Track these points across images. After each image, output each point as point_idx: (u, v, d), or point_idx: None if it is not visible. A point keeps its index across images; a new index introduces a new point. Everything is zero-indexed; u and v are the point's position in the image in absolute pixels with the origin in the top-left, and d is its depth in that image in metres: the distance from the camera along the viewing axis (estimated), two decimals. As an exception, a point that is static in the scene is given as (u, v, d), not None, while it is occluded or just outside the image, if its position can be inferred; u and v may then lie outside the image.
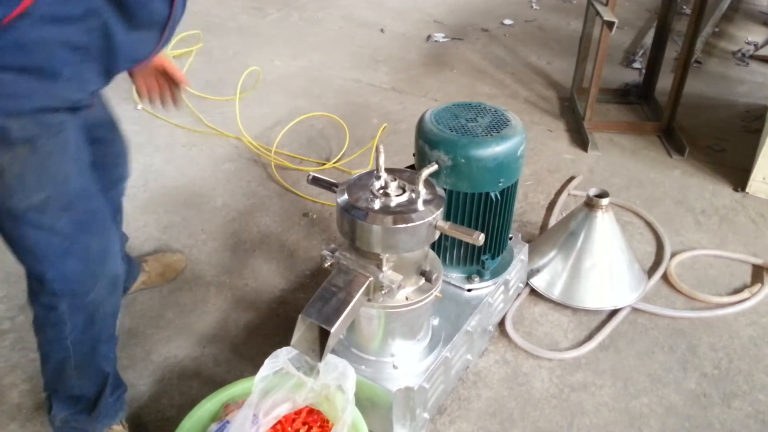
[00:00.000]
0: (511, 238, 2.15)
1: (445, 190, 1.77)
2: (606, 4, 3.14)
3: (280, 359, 1.57)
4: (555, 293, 2.24)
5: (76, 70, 1.27)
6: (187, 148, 3.22)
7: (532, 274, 2.30)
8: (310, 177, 1.66)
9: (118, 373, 1.76)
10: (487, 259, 1.95)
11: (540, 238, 2.43)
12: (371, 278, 1.48)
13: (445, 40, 4.72)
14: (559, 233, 2.31)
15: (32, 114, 1.26)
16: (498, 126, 1.83)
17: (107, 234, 1.53)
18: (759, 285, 2.34)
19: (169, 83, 1.78)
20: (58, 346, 1.55)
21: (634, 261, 2.30)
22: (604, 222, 2.21)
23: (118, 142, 1.82)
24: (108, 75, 1.38)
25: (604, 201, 2.19)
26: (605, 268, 2.20)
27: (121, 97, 3.70)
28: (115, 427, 1.75)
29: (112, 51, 1.30)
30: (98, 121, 1.66)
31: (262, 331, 2.15)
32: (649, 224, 2.68)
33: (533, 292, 2.29)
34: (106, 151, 1.72)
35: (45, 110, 1.27)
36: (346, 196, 1.50)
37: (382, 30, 4.88)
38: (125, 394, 1.79)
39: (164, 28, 1.39)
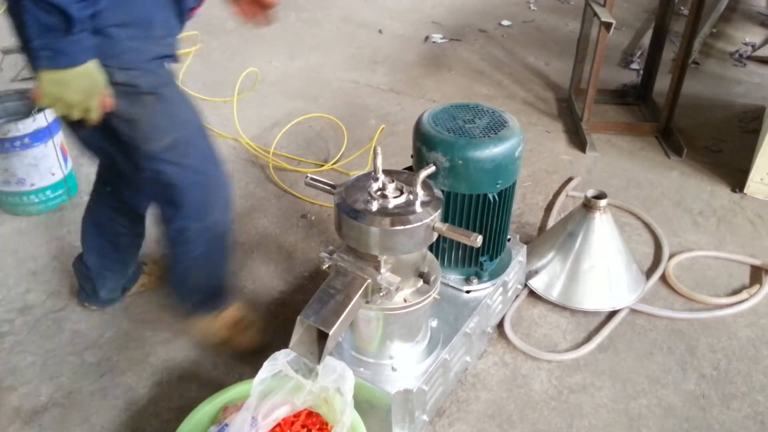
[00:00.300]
0: (509, 240, 2.15)
1: (442, 191, 1.77)
2: (604, 5, 3.15)
3: (279, 362, 1.57)
4: (553, 295, 2.24)
5: (163, 15, 1.54)
6: (185, 150, 3.21)
7: (530, 275, 2.30)
8: (308, 178, 1.66)
9: (232, 265, 2.02)
10: (485, 260, 1.95)
11: (538, 240, 2.43)
12: (369, 280, 1.48)
13: (443, 41, 4.72)
14: (558, 234, 2.31)
15: (148, 64, 1.51)
16: (496, 127, 1.83)
17: (219, 164, 1.76)
18: (757, 286, 2.34)
19: (261, 6, 1.85)
20: (188, 258, 1.84)
21: (633, 262, 2.30)
22: (602, 223, 2.21)
23: None
24: (182, 17, 1.61)
25: (602, 202, 2.19)
26: (603, 270, 2.20)
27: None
28: (231, 308, 2.02)
29: None
30: None
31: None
32: (647, 225, 2.68)
33: (532, 293, 2.29)
34: None
35: (155, 59, 1.53)
36: (343, 198, 1.50)
37: (380, 31, 4.88)
38: (235, 284, 2.10)
39: None
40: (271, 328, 2.15)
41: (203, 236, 1.80)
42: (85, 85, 1.41)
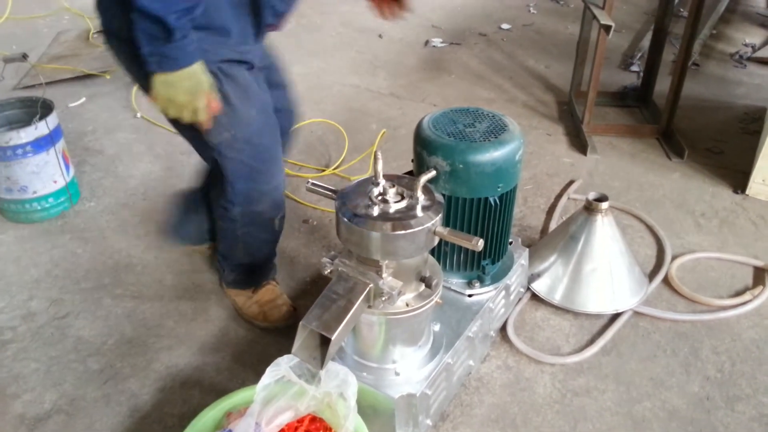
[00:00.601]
0: (511, 243, 2.15)
1: (443, 195, 1.77)
2: (603, 8, 3.15)
3: (282, 367, 1.57)
4: (556, 298, 2.24)
5: (240, 26, 1.69)
6: (186, 156, 3.21)
7: (532, 278, 2.30)
8: (309, 184, 1.66)
9: (274, 252, 2.24)
10: (487, 264, 1.95)
11: (540, 243, 2.43)
12: (371, 285, 1.49)
13: (443, 45, 4.73)
14: (559, 237, 2.31)
15: (217, 65, 1.65)
16: (496, 131, 1.83)
17: (275, 163, 1.92)
18: (761, 287, 2.34)
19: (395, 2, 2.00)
20: (230, 235, 2.05)
21: (635, 264, 2.30)
22: (604, 226, 2.21)
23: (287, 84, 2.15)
24: (259, 30, 1.78)
25: (604, 205, 2.19)
26: (606, 272, 2.20)
27: (122, 106, 3.72)
28: (271, 283, 2.25)
29: (258, 8, 1.71)
30: (272, 70, 2.04)
31: (263, 339, 2.15)
32: (649, 227, 2.68)
33: (534, 296, 2.29)
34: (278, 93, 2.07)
35: (226, 61, 1.68)
36: (344, 203, 1.50)
37: (380, 35, 4.89)
38: (274, 259, 2.28)
39: None
40: (274, 334, 2.15)
41: (245, 220, 1.98)
42: (190, 85, 1.56)
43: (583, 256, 2.21)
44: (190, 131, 1.78)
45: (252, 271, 2.21)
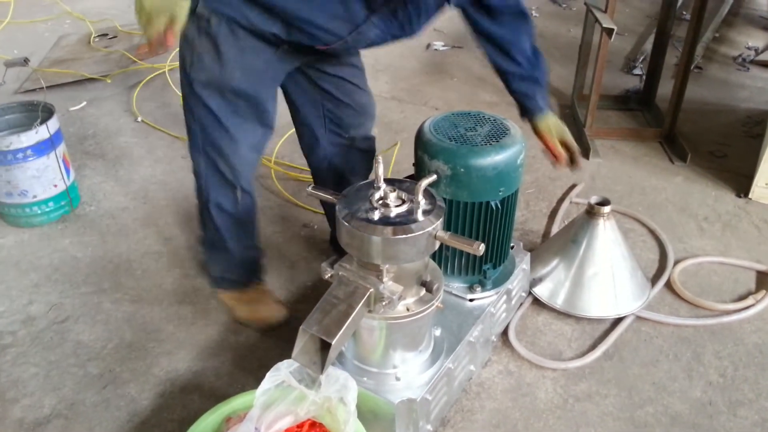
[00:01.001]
0: (512, 247, 2.14)
1: (444, 199, 1.76)
2: (605, 11, 3.14)
3: (282, 372, 1.56)
4: (558, 302, 2.22)
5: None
6: (187, 160, 3.18)
7: (534, 282, 2.28)
8: (310, 188, 1.66)
9: (249, 245, 2.15)
10: (488, 268, 1.95)
11: (542, 247, 2.42)
12: (372, 289, 1.48)
13: (444, 48, 4.73)
14: (561, 241, 2.29)
15: (228, 19, 1.65)
16: (497, 135, 1.83)
17: (239, 130, 1.83)
18: (763, 291, 2.32)
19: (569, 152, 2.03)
20: (199, 194, 1.99)
21: (637, 268, 2.29)
22: (606, 230, 2.20)
23: (348, 104, 2.07)
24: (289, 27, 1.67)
25: (606, 209, 2.18)
26: (608, 276, 2.19)
27: (122, 110, 3.72)
28: (258, 283, 2.22)
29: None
30: (332, 60, 1.95)
31: (263, 344, 2.14)
32: (651, 231, 2.67)
33: (536, 301, 2.28)
34: (334, 106, 2.05)
35: (234, 21, 1.66)
36: (345, 207, 1.49)
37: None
38: (259, 260, 2.22)
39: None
40: (274, 338, 2.15)
41: (208, 177, 1.92)
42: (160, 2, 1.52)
43: (584, 260, 2.20)
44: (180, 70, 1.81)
45: (229, 259, 2.11)
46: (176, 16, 1.51)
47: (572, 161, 2.01)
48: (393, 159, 3.11)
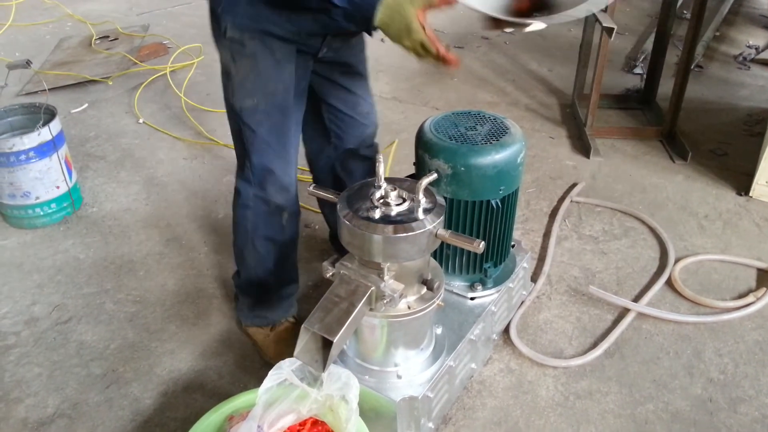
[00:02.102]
0: (513, 246, 2.14)
1: (445, 198, 1.77)
2: (605, 11, 3.14)
3: (284, 370, 1.57)
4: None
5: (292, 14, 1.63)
6: (188, 161, 3.22)
7: None
8: (311, 188, 1.67)
9: (287, 278, 2.12)
10: (489, 267, 1.95)
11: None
12: (373, 288, 1.48)
13: (445, 48, 4.72)
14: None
15: (260, 33, 1.65)
16: (497, 134, 1.83)
17: (287, 147, 1.84)
18: (764, 289, 2.33)
19: None
20: (242, 231, 1.97)
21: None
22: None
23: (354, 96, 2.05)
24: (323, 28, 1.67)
25: None
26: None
27: (124, 112, 3.73)
28: (289, 320, 2.14)
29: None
30: (338, 66, 1.93)
31: (265, 343, 2.15)
32: (652, 230, 2.68)
33: (537, 299, 2.28)
34: (339, 120, 2.04)
35: (269, 34, 1.65)
36: (346, 207, 1.50)
37: (382, 39, 4.88)
38: (293, 297, 2.16)
39: None
40: (277, 338, 2.15)
41: (257, 208, 1.90)
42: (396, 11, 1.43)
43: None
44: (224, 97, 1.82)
45: (265, 300, 2.09)
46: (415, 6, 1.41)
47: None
48: (390, 157, 3.12)
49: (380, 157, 1.52)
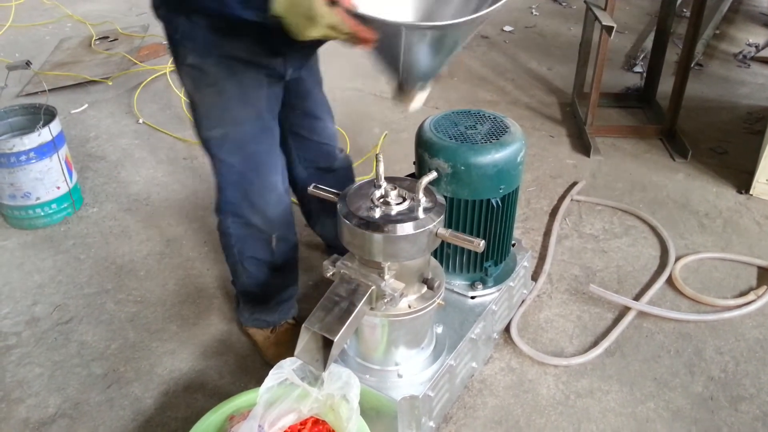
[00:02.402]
0: (513, 245, 2.14)
1: (445, 197, 1.77)
2: (605, 9, 3.15)
3: (285, 370, 1.57)
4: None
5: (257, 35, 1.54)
6: (188, 161, 3.22)
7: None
8: (312, 187, 1.66)
9: (285, 283, 2.09)
10: (489, 266, 1.95)
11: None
12: (373, 287, 1.48)
13: (445, 48, 4.72)
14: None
15: (224, 59, 1.58)
16: (497, 133, 1.83)
17: (268, 177, 1.80)
18: (764, 287, 2.33)
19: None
20: (229, 252, 1.96)
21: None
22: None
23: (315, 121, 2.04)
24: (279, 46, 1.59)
25: None
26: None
27: (124, 112, 3.73)
28: (289, 322, 2.13)
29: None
30: (300, 93, 1.92)
31: (266, 343, 2.15)
32: (652, 228, 2.68)
33: (538, 298, 2.28)
34: (304, 146, 2.04)
35: (232, 58, 1.58)
36: (346, 206, 1.50)
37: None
38: (293, 299, 2.14)
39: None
40: (277, 337, 2.15)
41: (238, 233, 1.89)
42: None
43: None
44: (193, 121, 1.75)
45: (264, 305, 2.08)
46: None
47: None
48: (377, 149, 3.15)
49: (380, 156, 1.52)
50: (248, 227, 1.87)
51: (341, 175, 2.16)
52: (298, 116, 1.97)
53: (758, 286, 2.36)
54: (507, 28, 5.08)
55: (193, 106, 1.71)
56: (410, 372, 1.68)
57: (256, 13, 1.39)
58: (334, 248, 2.31)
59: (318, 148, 2.07)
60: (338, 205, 1.52)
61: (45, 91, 2.96)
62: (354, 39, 1.29)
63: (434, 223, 1.47)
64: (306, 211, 2.30)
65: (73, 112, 3.72)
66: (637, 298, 2.30)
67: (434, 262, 1.71)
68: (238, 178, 1.77)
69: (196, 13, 1.53)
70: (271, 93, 1.73)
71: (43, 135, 2.59)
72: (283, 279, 2.06)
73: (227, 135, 1.70)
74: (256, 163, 1.76)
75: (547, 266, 2.44)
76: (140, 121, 3.60)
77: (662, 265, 2.47)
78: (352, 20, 1.25)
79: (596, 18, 3.09)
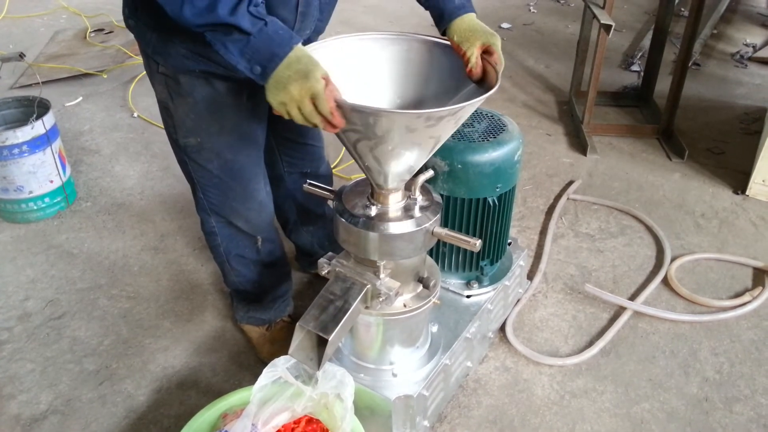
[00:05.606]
0: (510, 244, 2.14)
1: (442, 196, 1.76)
2: (603, 8, 3.14)
3: (279, 368, 1.56)
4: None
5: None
6: (184, 156, 3.20)
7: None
8: (307, 184, 1.65)
9: (275, 282, 2.06)
10: (485, 264, 1.94)
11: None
12: (369, 285, 1.48)
13: (442, 44, 4.71)
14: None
15: (201, 73, 1.53)
16: (494, 131, 1.82)
17: (249, 186, 1.78)
18: (760, 288, 2.32)
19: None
20: (217, 252, 1.94)
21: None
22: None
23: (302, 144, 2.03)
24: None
25: None
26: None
27: (118, 105, 3.71)
28: (284, 320, 2.12)
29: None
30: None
31: (260, 340, 2.14)
32: (648, 228, 2.67)
33: (533, 297, 2.27)
34: (291, 150, 2.02)
35: (212, 74, 1.53)
36: (342, 204, 1.49)
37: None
38: (287, 295, 2.12)
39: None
40: (271, 334, 2.14)
41: (224, 233, 1.88)
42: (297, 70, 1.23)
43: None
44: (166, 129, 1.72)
45: (258, 303, 2.06)
46: (315, 73, 1.23)
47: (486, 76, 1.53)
48: None
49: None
50: (232, 226, 1.86)
51: (325, 183, 2.11)
52: (287, 145, 1.97)
53: (754, 287, 2.36)
54: (505, 26, 5.07)
55: (168, 113, 1.66)
56: (405, 371, 1.67)
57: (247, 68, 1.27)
58: (309, 255, 2.34)
59: (305, 149, 2.04)
60: (334, 203, 1.51)
61: (39, 83, 2.94)
62: (324, 121, 1.25)
63: (430, 222, 1.46)
64: (283, 220, 2.24)
65: (67, 105, 3.69)
66: (632, 298, 2.30)
67: (430, 260, 1.70)
68: (218, 182, 1.74)
69: (171, 32, 1.44)
70: (250, 102, 1.64)
71: (37, 128, 2.57)
72: (273, 276, 2.04)
73: (202, 144, 1.66)
74: (234, 171, 1.73)
75: (542, 265, 2.43)
76: (135, 114, 3.58)
77: (658, 265, 2.47)
78: (332, 103, 1.22)
79: (594, 16, 3.09)
